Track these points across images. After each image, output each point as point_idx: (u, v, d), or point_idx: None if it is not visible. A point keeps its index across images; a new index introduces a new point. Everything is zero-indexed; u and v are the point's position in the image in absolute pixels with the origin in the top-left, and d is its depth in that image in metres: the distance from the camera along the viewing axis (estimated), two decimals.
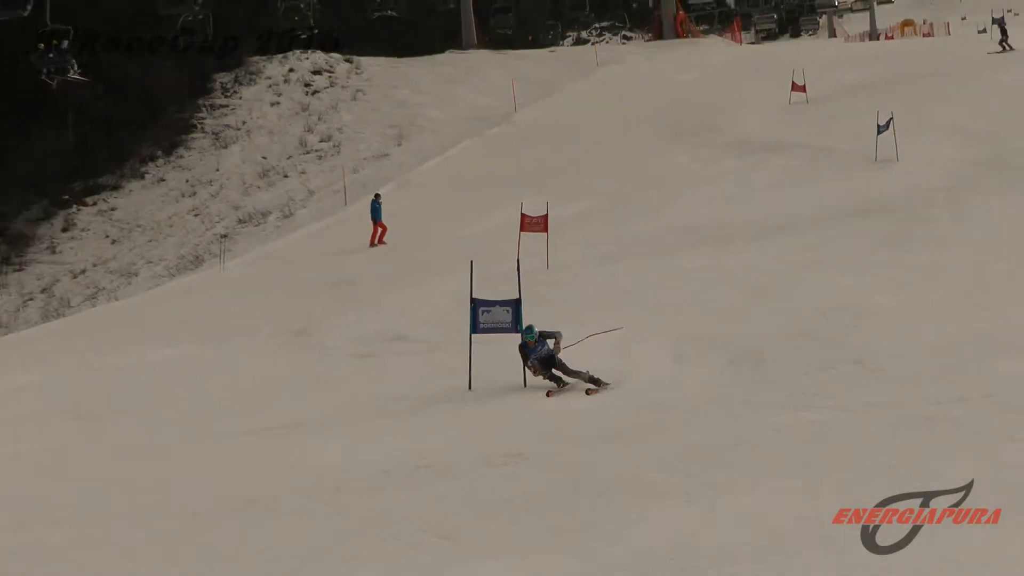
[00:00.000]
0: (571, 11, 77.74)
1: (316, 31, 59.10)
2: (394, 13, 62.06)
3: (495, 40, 67.67)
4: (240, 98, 59.22)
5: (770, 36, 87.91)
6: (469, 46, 65.63)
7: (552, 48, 75.06)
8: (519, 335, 18.76)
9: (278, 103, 58.40)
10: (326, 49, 62.19)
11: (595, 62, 61.32)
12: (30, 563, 12.33)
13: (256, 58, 62.01)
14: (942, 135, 36.89)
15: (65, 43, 39.95)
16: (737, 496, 11.63)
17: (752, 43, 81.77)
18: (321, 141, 54.08)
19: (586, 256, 29.04)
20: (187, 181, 53.27)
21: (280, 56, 61.85)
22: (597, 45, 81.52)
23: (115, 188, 54.05)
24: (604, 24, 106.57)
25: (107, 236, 50.48)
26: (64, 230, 51.54)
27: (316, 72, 60.54)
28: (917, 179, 31.74)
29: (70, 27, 40.40)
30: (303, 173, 51.10)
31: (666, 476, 12.82)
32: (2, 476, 17.29)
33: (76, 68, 41.34)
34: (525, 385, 18.65)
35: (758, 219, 30.29)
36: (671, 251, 28.24)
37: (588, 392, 18.21)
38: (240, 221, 47.67)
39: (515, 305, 19.22)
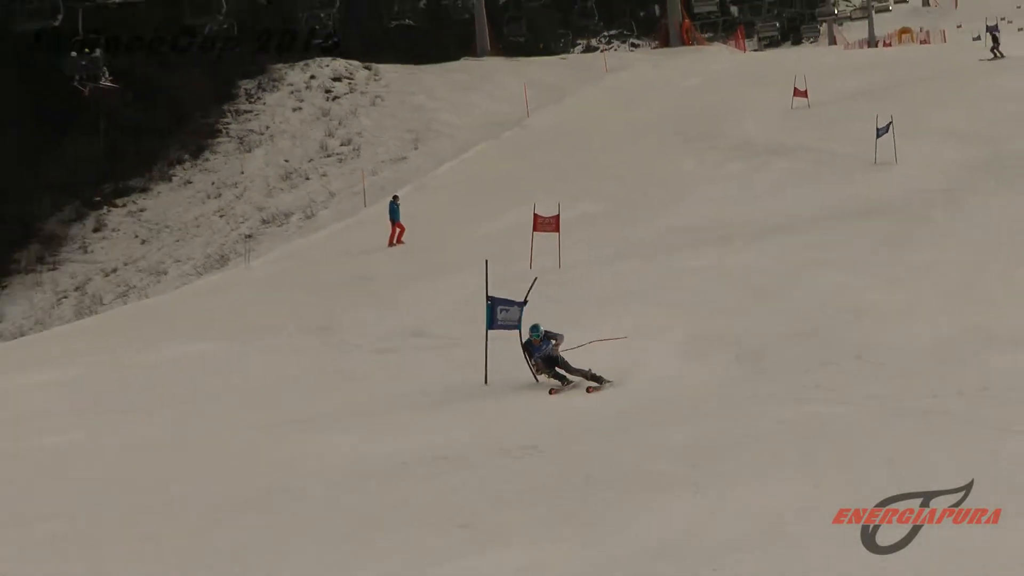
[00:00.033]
0: (581, 20, 77.61)
1: (336, 39, 59.06)
2: (411, 22, 62.07)
3: (508, 48, 67.57)
4: (263, 104, 59.25)
5: (772, 43, 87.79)
6: (483, 53, 65.53)
7: (563, 55, 74.94)
8: (527, 332, 18.65)
9: (300, 108, 58.42)
10: (346, 56, 62.24)
11: (604, 69, 61.19)
12: (59, 552, 12.38)
13: (279, 65, 62.00)
14: (939, 138, 36.76)
15: (97, 51, 40.09)
16: (743, 487, 11.62)
17: (755, 50, 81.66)
18: (341, 145, 54.09)
19: (595, 255, 29.02)
20: (213, 183, 53.33)
21: (302, 63, 61.88)
22: (606, 52, 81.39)
23: (144, 190, 54.13)
24: (612, 32, 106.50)
25: (137, 236, 50.57)
26: (96, 231, 51.63)
27: (336, 79, 60.54)
28: (915, 181, 31.66)
29: (101, 36, 40.51)
30: (324, 176, 51.12)
31: (674, 468, 12.83)
32: (35, 467, 17.36)
33: (107, 75, 41.49)
34: (537, 381, 18.65)
35: (760, 220, 30.23)
36: (676, 251, 28.20)
37: (589, 390, 18.10)
38: (264, 222, 47.71)
39: (522, 306, 19.08)
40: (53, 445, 18.49)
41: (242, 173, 53.53)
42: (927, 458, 11.95)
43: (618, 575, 9.67)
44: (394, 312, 26.10)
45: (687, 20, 72.18)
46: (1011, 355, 16.32)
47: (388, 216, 36.32)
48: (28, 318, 44.87)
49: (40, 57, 48.82)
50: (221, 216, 50.13)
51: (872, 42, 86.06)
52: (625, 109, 50.75)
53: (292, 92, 59.86)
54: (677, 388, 17.41)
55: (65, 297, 46.50)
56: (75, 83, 41.40)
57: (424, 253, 33.28)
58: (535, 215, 28.71)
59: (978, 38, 59.57)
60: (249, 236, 45.47)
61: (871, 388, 15.54)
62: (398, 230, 35.78)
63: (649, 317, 21.89)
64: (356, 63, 62.05)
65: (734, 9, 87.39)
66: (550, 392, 18.17)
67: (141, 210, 52.60)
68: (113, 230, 51.45)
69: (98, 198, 53.57)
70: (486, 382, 18.74)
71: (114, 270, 47.85)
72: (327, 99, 58.89)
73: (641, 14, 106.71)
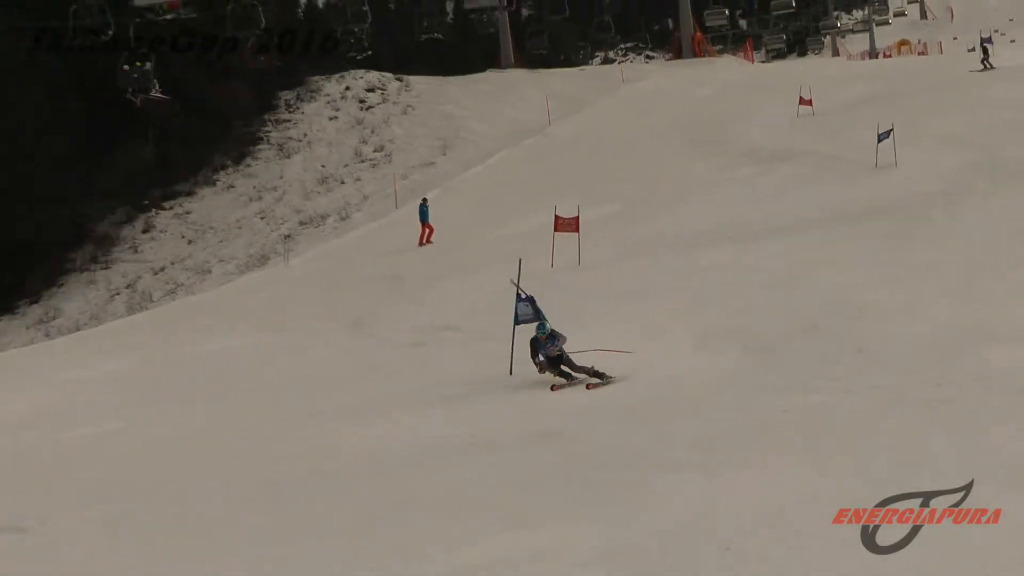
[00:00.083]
0: (599, 33, 77.77)
1: (370, 52, 59.15)
2: (440, 36, 62.26)
3: (531, 60, 67.59)
4: (302, 113, 59.40)
5: (779, 55, 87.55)
6: (507, 66, 65.57)
7: (582, 67, 75.00)
8: (537, 327, 18.29)
9: (336, 117, 58.54)
10: (379, 69, 62.34)
11: (621, 79, 61.16)
12: (111, 534, 12.41)
13: (316, 77, 62.17)
14: (937, 144, 36.55)
15: (147, 65, 40.23)
16: (752, 472, 11.60)
17: (763, 61, 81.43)
18: (374, 151, 54.18)
19: (612, 254, 28.99)
20: (254, 187, 53.49)
21: (337, 75, 62.01)
22: (623, 64, 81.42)
23: (190, 194, 54.34)
24: (629, 45, 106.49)
25: (183, 237, 50.75)
26: (145, 232, 51.84)
27: (370, 89, 60.64)
28: (915, 184, 31.48)
29: (151, 51, 40.69)
30: (358, 180, 51.22)
31: (686, 454, 12.80)
32: (90, 452, 17.45)
33: (157, 87, 41.64)
34: (540, 372, 18.36)
35: (767, 221, 30.13)
36: (688, 250, 28.14)
37: (589, 386, 17.73)
38: (302, 223, 47.82)
39: (530, 301, 18.89)
40: (108, 432, 18.59)
41: (281, 178, 53.67)
42: (927, 444, 11.91)
43: (634, 554, 9.65)
44: (424, 308, 26.14)
45: (699, 33, 72.14)
46: (1006, 349, 16.21)
47: (418, 217, 36.40)
48: (83, 313, 45.07)
49: (94, 70, 49.04)
50: (262, 218, 50.27)
51: (873, 53, 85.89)
52: (640, 117, 50.72)
53: (328, 102, 60.00)
54: (689, 379, 17.34)
55: (117, 294, 46.68)
56: (127, 95, 41.54)
57: (452, 252, 33.31)
58: (556, 216, 28.71)
59: (973, 49, 59.37)
60: (288, 237, 45.59)
61: (873, 379, 15.47)
62: (427, 230, 35.84)
63: (662, 312, 21.86)
64: (388, 75, 62.17)
65: (743, 23, 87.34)
66: (552, 388, 17.86)
67: (187, 212, 52.80)
68: (161, 231, 51.65)
69: (147, 202, 53.81)
70: (511, 373, 18.71)
71: (162, 269, 48.02)
72: (361, 109, 59.01)
73: (655, 28, 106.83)
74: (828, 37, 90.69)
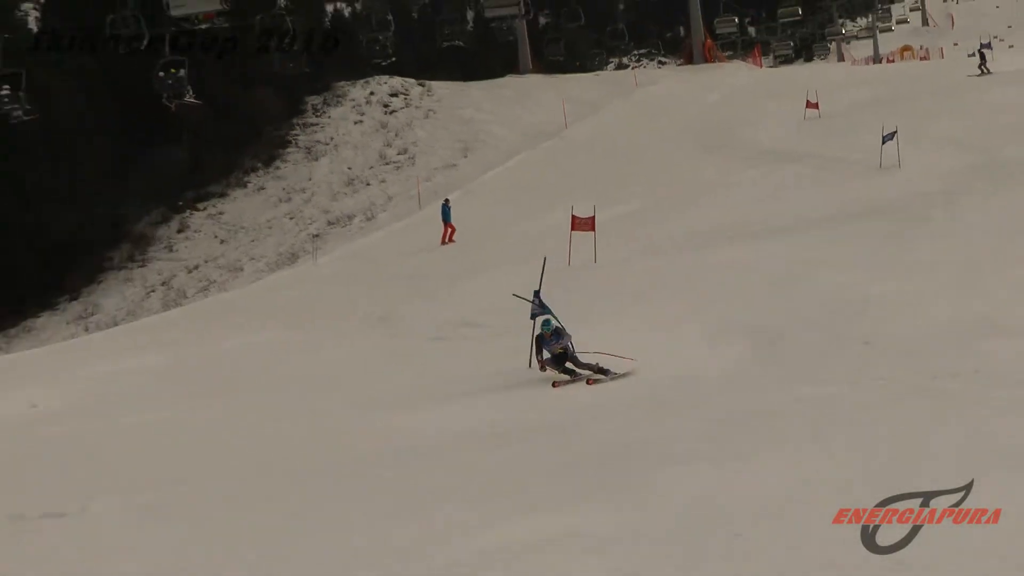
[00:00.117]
0: (613, 40, 77.72)
1: (394, 59, 59.19)
2: (461, 43, 62.16)
3: (548, 66, 67.52)
4: (328, 117, 59.48)
5: (787, 60, 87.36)
6: (525, 71, 65.53)
7: (597, 72, 74.78)
8: (542, 324, 18.08)
9: (361, 121, 58.60)
10: (402, 75, 62.40)
11: (634, 84, 61.06)
12: (157, 518, 12.46)
13: (342, 83, 62.25)
14: (939, 145, 36.47)
15: (181, 71, 40.35)
16: (762, 459, 11.54)
17: (771, 67, 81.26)
18: (398, 154, 54.22)
19: (626, 252, 28.96)
20: (283, 189, 53.61)
21: (362, 81, 62.07)
22: (636, 69, 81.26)
23: (222, 195, 54.52)
24: (642, 51, 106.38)
25: (216, 237, 50.92)
26: (179, 232, 52.05)
27: (393, 95, 60.68)
28: (917, 184, 31.40)
29: (185, 58, 40.81)
30: (383, 181, 51.27)
31: (698, 442, 12.77)
32: (128, 442, 17.51)
33: (191, 93, 41.76)
34: (543, 371, 18.12)
35: (775, 220, 30.08)
36: (699, 248, 28.09)
37: (589, 382, 17.53)
38: (329, 223, 47.92)
39: (536, 294, 18.72)
40: (144, 422, 18.63)
41: (310, 180, 53.77)
42: (929, 432, 11.86)
43: (649, 536, 9.64)
44: (446, 304, 26.13)
45: (709, 40, 71.99)
46: (1005, 341, 16.17)
47: (440, 217, 36.41)
48: (121, 309, 45.27)
49: (131, 77, 49.21)
50: (291, 218, 50.39)
51: (877, 59, 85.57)
52: (653, 120, 50.66)
53: (354, 107, 60.07)
54: (700, 371, 17.31)
55: (153, 291, 46.88)
56: (162, 100, 41.69)
57: (473, 250, 33.32)
58: (573, 216, 28.68)
59: (972, 55, 59.16)
60: (316, 236, 45.69)
61: (877, 370, 15.43)
62: (449, 230, 35.86)
63: (674, 307, 21.84)
64: (411, 80, 62.21)
65: (752, 30, 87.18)
66: (553, 385, 17.65)
67: (220, 213, 52.97)
68: (195, 231, 51.84)
69: (182, 203, 54.04)
70: (529, 366, 18.70)
71: (196, 267, 48.20)
72: (385, 113, 59.06)
73: (667, 34, 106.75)
74: (834, 43, 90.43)
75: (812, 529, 8.67)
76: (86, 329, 42.26)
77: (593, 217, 28.44)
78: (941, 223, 26.67)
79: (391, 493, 12.33)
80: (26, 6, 78.91)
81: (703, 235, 29.65)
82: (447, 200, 37.56)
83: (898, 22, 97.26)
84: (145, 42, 39.71)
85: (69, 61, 54.06)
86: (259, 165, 56.17)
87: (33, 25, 72.43)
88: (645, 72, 75.65)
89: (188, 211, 53.42)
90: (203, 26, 41.81)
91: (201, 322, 30.54)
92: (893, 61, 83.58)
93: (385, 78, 61.80)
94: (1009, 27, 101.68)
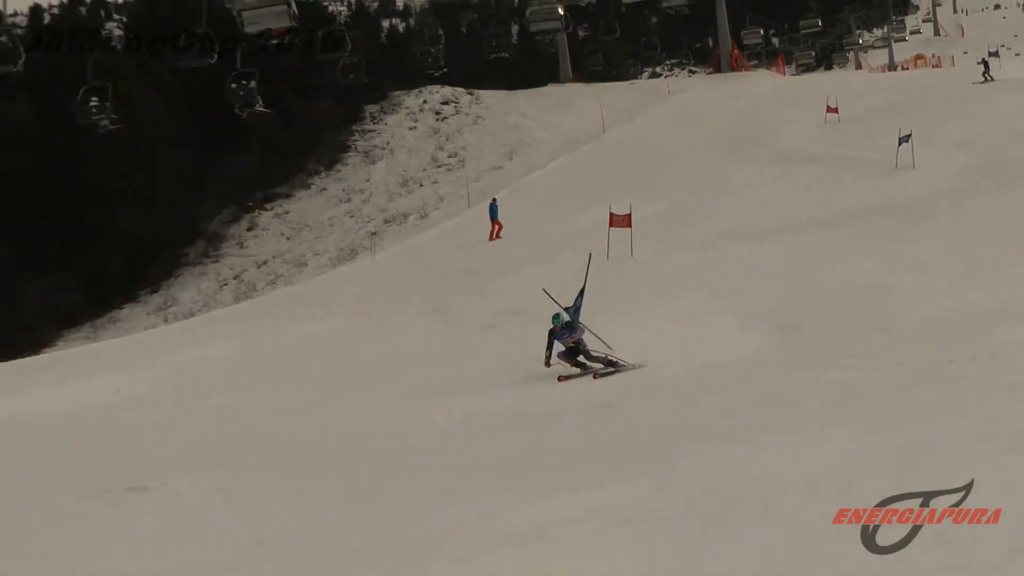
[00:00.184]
0: (647, 51, 77.48)
1: (445, 70, 59.20)
2: (507, 55, 61.95)
3: (587, 75, 67.31)
4: (385, 124, 59.60)
5: (808, 69, 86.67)
6: (566, 80, 65.38)
7: (632, 81, 74.44)
8: (552, 317, 17.42)
9: (415, 127, 58.67)
10: (452, 84, 62.46)
11: (667, 92, 60.72)
12: (224, 494, 12.51)
13: (397, 92, 62.37)
14: (950, 148, 36.08)
15: (252, 83, 40.50)
16: (788, 439, 11.37)
17: (794, 75, 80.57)
18: (449, 157, 54.23)
19: (661, 247, 28.86)
20: (343, 190, 53.77)
21: (416, 90, 62.16)
22: (668, 78, 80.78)
23: (288, 196, 54.76)
24: (674, 61, 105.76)
25: (282, 234, 51.15)
26: (249, 230, 52.33)
27: (445, 103, 60.70)
28: (930, 183, 31.07)
29: (255, 70, 40.97)
30: (435, 183, 51.29)
31: (728, 423, 12.64)
32: (205, 423, 17.62)
33: (260, 103, 41.91)
34: (547, 366, 17.60)
35: (797, 216, 29.87)
36: (727, 243, 27.96)
37: (595, 375, 16.89)
38: (386, 221, 47.98)
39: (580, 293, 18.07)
40: (217, 407, 18.76)
41: (367, 181, 53.89)
42: (944, 410, 11.66)
43: (681, 511, 9.54)
44: (495, 295, 26.12)
45: (736, 50, 71.45)
46: (1013, 328, 15.92)
47: (488, 215, 36.38)
48: (196, 302, 45.58)
49: (205, 89, 49.51)
50: (351, 217, 50.53)
51: (892, 67, 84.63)
52: (684, 125, 50.36)
53: (408, 114, 60.16)
54: (729, 357, 17.16)
55: (225, 285, 47.16)
56: (235, 110, 41.88)
57: (518, 246, 33.28)
58: (611, 214, 28.59)
59: (980, 63, 58.50)
60: (374, 233, 45.76)
61: (895, 355, 15.23)
62: (497, 227, 35.82)
63: (705, 298, 21.72)
64: (461, 90, 62.20)
65: (775, 40, 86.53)
66: (559, 379, 17.03)
67: (286, 212, 53.22)
68: (263, 229, 52.11)
69: (251, 203, 54.34)
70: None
71: (264, 262, 48.44)
72: (437, 119, 59.09)
73: (697, 45, 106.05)
74: (852, 52, 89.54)
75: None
76: (165, 320, 42.58)
77: (629, 215, 28.33)
78: (954, 218, 26.40)
79: (442, 474, 12.34)
80: (110, 25, 79.56)
81: (730, 231, 29.49)
82: (494, 199, 37.53)
83: (912, 32, 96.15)
84: (216, 56, 39.83)
85: (150, 74, 54.46)
86: (321, 168, 56.38)
87: (117, 43, 72.97)
88: (677, 81, 75.16)
89: (257, 211, 53.70)
90: (274, 41, 41.94)
91: (269, 313, 30.69)
92: (907, 69, 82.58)
93: (437, 88, 61.84)
94: (1015, 36, 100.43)
